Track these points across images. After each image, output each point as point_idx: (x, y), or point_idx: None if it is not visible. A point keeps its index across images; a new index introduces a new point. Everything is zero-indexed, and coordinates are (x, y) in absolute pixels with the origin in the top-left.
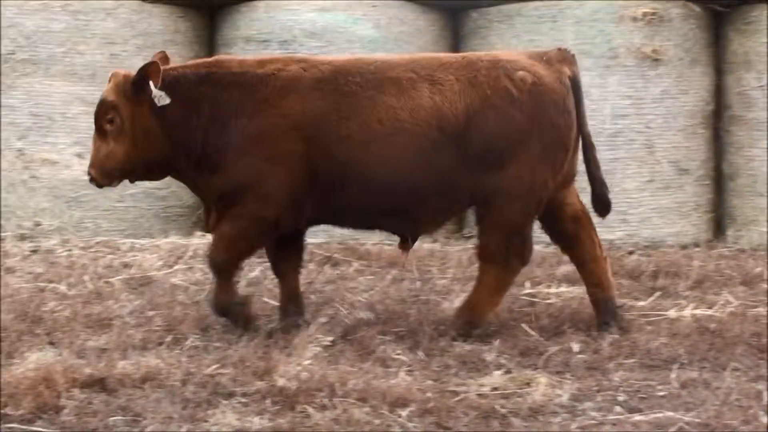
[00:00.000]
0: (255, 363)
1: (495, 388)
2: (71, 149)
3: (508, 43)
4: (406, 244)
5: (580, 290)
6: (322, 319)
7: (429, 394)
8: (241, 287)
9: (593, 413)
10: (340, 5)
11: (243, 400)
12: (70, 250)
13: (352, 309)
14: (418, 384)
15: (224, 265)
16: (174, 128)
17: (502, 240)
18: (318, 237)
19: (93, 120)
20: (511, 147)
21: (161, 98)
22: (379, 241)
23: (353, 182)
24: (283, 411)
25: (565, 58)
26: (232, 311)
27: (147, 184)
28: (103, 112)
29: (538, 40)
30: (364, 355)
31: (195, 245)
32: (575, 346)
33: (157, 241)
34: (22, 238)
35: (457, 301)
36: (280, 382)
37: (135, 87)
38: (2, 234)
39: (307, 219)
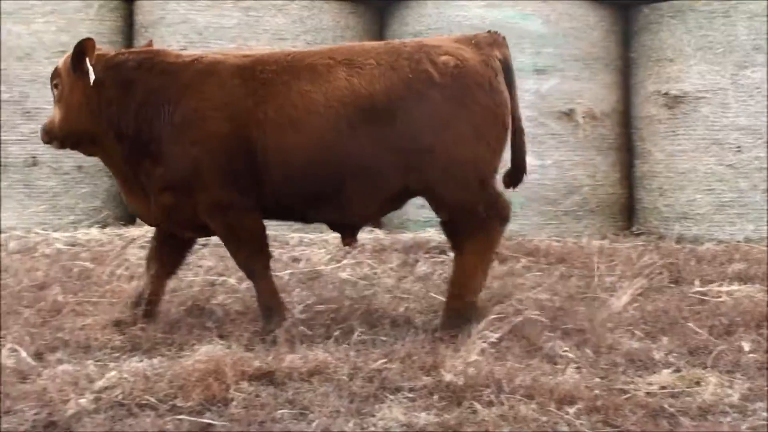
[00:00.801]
0: (422, 358)
1: (663, 387)
2: None
3: (680, 39)
4: (348, 239)
5: (751, 289)
6: (490, 316)
7: (596, 392)
8: (409, 281)
9: (765, 413)
10: (509, 1)
11: (410, 395)
12: None
13: (520, 305)
14: (586, 381)
15: (248, 261)
16: (107, 107)
17: (470, 218)
18: None
19: None
20: (436, 130)
21: (92, 75)
22: (546, 237)
23: (274, 168)
24: (450, 407)
25: (494, 41)
26: (279, 312)
27: None
28: (52, 77)
29: (711, 35)
30: (531, 352)
31: (363, 240)
32: (746, 345)
33: (326, 236)
34: None
35: (624, 297)
36: (447, 377)
37: (73, 62)
38: None
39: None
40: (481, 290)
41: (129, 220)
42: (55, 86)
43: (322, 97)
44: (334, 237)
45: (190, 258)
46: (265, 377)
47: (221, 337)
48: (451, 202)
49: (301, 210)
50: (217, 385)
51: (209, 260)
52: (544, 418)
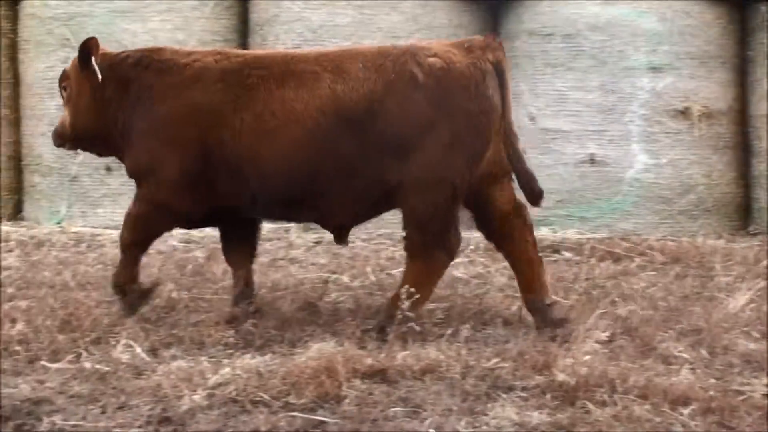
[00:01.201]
0: (534, 357)
1: None
2: None
3: None
4: (341, 239)
5: None
6: (601, 314)
7: (711, 393)
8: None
9: None
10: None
11: (522, 394)
12: (352, 242)
13: (633, 305)
14: (701, 382)
15: (126, 244)
16: (108, 105)
17: (421, 233)
18: (600, 232)
19: None
20: (415, 133)
21: (98, 73)
22: (661, 237)
23: (249, 173)
24: (563, 406)
25: (488, 44)
26: (125, 292)
27: None
28: (61, 80)
29: None
30: (645, 352)
31: (476, 239)
32: None
33: None
34: (307, 229)
35: (742, 298)
36: (560, 376)
37: (80, 61)
38: (287, 225)
39: (221, 208)
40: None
41: None
42: (63, 89)
43: (302, 106)
44: None
45: (303, 255)
46: (378, 375)
47: (334, 334)
48: (418, 214)
49: (281, 213)
50: (329, 383)
51: (322, 258)
52: (658, 419)
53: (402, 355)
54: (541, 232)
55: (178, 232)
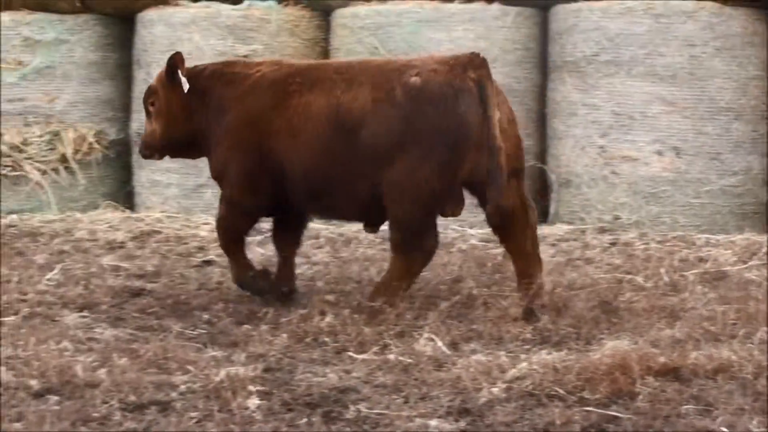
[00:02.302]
0: None
1: None
2: (651, 147)
3: None
4: (370, 227)
5: None
6: None
7: None
8: None
9: None
10: None
11: None
12: (647, 244)
13: None
14: None
15: (223, 247)
16: (194, 114)
17: (400, 234)
18: None
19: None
20: (392, 147)
21: (185, 84)
22: None
23: (285, 170)
24: None
25: (471, 61)
26: (247, 284)
27: (713, 180)
28: (148, 95)
29: None
30: None
31: None
32: None
33: (732, 237)
34: (602, 230)
35: None
36: None
37: (167, 75)
38: (584, 226)
39: (282, 205)
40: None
41: (542, 219)
42: (151, 104)
43: (315, 111)
44: (742, 238)
45: (599, 256)
46: (671, 373)
47: (628, 332)
48: (392, 209)
49: (312, 208)
50: (623, 380)
51: (617, 258)
52: None
53: (694, 355)
54: None
55: (478, 232)
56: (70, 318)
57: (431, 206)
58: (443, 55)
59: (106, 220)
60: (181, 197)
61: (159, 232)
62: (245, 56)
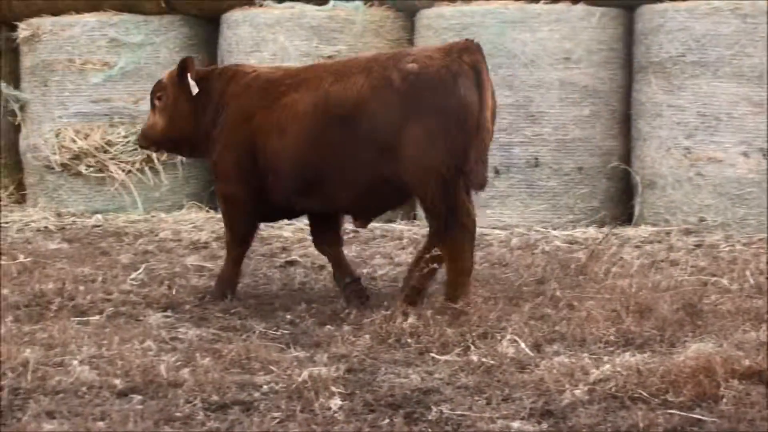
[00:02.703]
0: None
1: None
2: (737, 148)
3: None
4: (360, 222)
5: None
6: None
7: None
8: None
9: None
10: None
11: None
12: (732, 246)
13: None
14: None
15: (226, 244)
16: (198, 115)
17: (435, 220)
18: None
19: None
20: (394, 131)
21: (193, 87)
22: None
23: (272, 166)
24: None
25: (467, 47)
26: (221, 290)
27: None
28: (156, 89)
29: None
30: None
31: None
32: None
33: None
34: (687, 232)
35: None
36: None
37: (178, 75)
38: (668, 228)
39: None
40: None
41: (626, 220)
42: (158, 98)
43: (303, 105)
44: None
45: (684, 258)
46: (755, 376)
47: (712, 335)
48: (419, 196)
49: (295, 201)
50: (707, 382)
51: (702, 261)
52: None
53: None
54: None
55: (562, 234)
56: (154, 318)
57: (451, 183)
58: (437, 45)
59: (190, 220)
60: None
61: None
62: (329, 57)
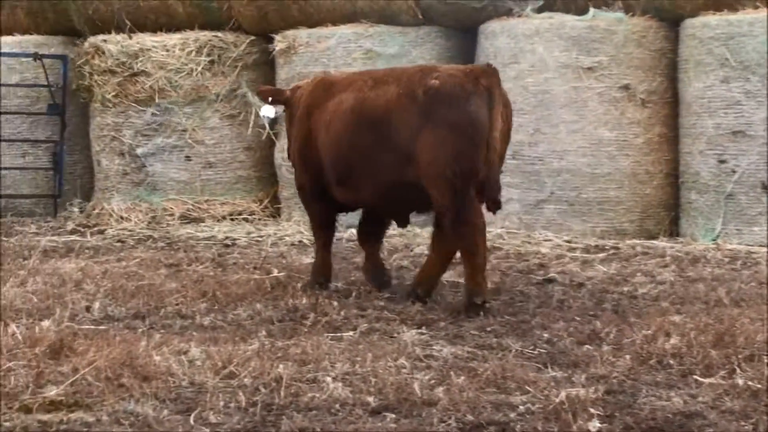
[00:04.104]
0: None
1: None
2: None
3: None
4: (402, 224)
5: None
6: None
7: None
8: None
9: None
10: None
11: None
12: None
13: None
14: None
15: (315, 237)
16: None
17: (444, 217)
18: None
19: None
20: (413, 138)
21: (268, 110)
22: None
23: (323, 159)
24: None
25: (484, 71)
26: (315, 278)
27: None
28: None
29: None
30: None
31: None
32: None
33: None
34: None
35: None
36: None
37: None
38: None
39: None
40: (480, 287)
41: None
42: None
43: (344, 107)
44: None
45: None
46: None
47: None
48: (432, 198)
49: (334, 192)
50: None
51: None
52: None
53: None
54: None
55: None
56: (408, 335)
57: (459, 186)
58: (464, 65)
59: None
60: (522, 213)
61: (500, 249)
62: (589, 68)
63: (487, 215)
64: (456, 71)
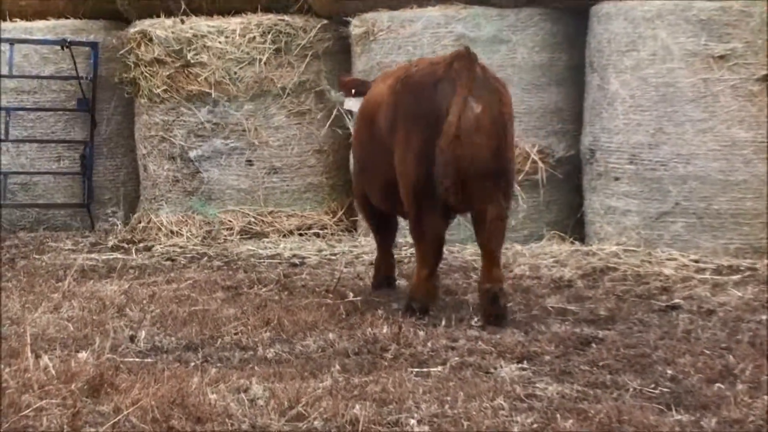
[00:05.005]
0: None
1: None
2: None
3: None
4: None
5: None
6: None
7: None
8: None
9: None
10: None
11: None
12: None
13: None
14: None
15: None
16: None
17: (409, 224)
18: None
19: None
20: (391, 130)
21: (347, 102)
22: None
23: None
24: None
25: (458, 54)
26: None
27: None
28: None
29: None
30: None
31: None
32: None
33: None
34: None
35: None
36: None
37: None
38: None
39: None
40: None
41: None
42: None
43: (366, 101)
44: None
45: None
46: None
47: None
48: (406, 200)
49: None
50: None
51: None
52: None
53: None
54: None
55: None
56: (507, 370)
57: (417, 194)
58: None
59: (551, 253)
60: (642, 227)
61: (615, 269)
62: (721, 56)
63: (604, 229)
64: (439, 58)
